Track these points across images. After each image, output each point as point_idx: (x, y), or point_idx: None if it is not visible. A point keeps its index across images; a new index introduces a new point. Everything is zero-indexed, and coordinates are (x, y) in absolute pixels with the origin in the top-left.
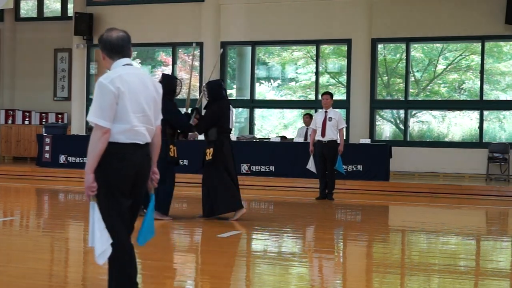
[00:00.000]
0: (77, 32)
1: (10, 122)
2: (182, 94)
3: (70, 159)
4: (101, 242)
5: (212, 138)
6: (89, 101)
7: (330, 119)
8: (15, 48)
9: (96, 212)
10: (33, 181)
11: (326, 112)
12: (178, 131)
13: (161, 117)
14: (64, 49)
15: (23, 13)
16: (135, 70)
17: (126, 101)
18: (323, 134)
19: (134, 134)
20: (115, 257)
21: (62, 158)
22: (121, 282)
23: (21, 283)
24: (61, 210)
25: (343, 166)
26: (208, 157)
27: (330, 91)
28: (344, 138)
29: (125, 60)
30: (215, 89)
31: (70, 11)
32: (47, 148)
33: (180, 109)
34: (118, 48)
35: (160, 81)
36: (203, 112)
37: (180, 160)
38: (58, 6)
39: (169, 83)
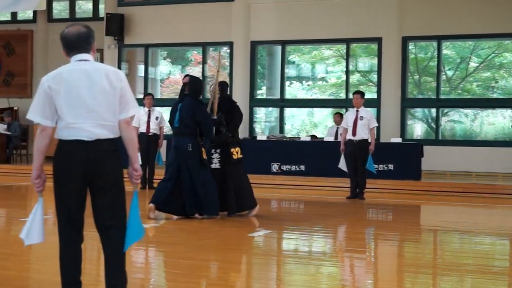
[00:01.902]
0: (109, 32)
1: None
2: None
3: None
4: (25, 232)
5: (236, 138)
6: None
7: (362, 118)
8: (47, 49)
9: (38, 207)
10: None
11: (357, 111)
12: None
13: (130, 111)
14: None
15: (55, 13)
16: (83, 66)
17: (60, 98)
18: (354, 133)
19: (74, 131)
20: (60, 254)
21: None
22: (64, 280)
23: (54, 281)
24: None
25: (374, 165)
26: (237, 156)
27: (361, 90)
28: (375, 137)
29: (80, 56)
30: (227, 89)
31: (102, 12)
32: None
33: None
34: (73, 43)
35: (186, 83)
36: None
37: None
38: (89, 6)
39: (197, 84)
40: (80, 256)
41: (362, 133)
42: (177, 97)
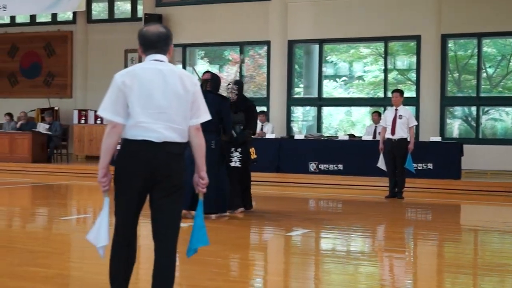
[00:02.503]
0: None
1: (82, 122)
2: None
3: None
4: (94, 235)
5: (250, 138)
6: None
7: (401, 117)
8: (87, 50)
9: (104, 208)
10: None
11: (396, 109)
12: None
13: (202, 117)
14: (134, 50)
15: (94, 14)
16: (159, 66)
17: (133, 95)
18: (393, 132)
19: (143, 131)
20: (111, 254)
21: None
22: (112, 280)
23: (95, 279)
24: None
25: (413, 164)
26: (254, 155)
27: (400, 88)
28: (414, 136)
29: (155, 56)
30: (242, 89)
31: (140, 13)
32: (118, 146)
33: None
34: (151, 43)
35: (208, 79)
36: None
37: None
38: (128, 7)
39: (217, 80)
40: (133, 260)
41: (401, 132)
42: None
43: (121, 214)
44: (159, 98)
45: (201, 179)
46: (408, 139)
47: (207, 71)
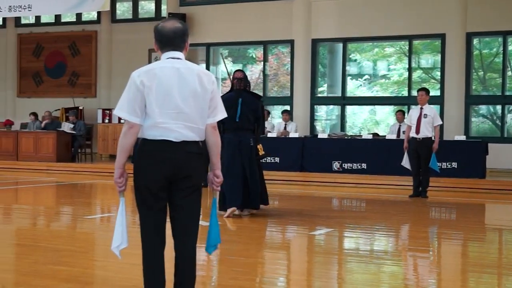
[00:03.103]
0: None
1: (106, 121)
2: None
3: None
4: (117, 237)
5: (260, 135)
6: None
7: (425, 116)
8: (111, 49)
9: (121, 208)
10: (129, 178)
11: (421, 108)
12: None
13: (218, 115)
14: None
15: (119, 14)
16: (176, 64)
17: (151, 96)
18: (417, 131)
19: (162, 131)
20: (144, 261)
21: None
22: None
23: (118, 278)
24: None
25: (438, 163)
26: (262, 152)
27: (425, 87)
28: (439, 135)
29: (172, 53)
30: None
31: (164, 12)
32: None
33: None
34: (167, 40)
35: (241, 78)
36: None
37: (270, 157)
38: (152, 7)
39: (247, 79)
40: (163, 261)
41: (426, 131)
42: None
43: (147, 215)
44: (177, 98)
45: (216, 177)
46: (433, 138)
47: (239, 70)
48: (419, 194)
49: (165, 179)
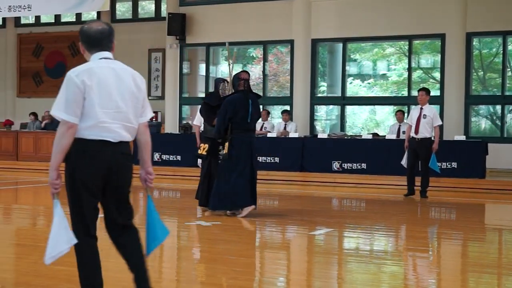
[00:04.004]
0: (170, 32)
1: None
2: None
3: (164, 157)
4: (53, 243)
5: None
6: (182, 100)
7: (425, 116)
8: None
9: (60, 211)
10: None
11: (421, 108)
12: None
13: (148, 114)
14: (158, 49)
15: (118, 14)
16: (111, 64)
17: (93, 95)
18: (416, 131)
19: (101, 131)
20: (77, 257)
21: (156, 156)
22: (84, 284)
23: (118, 277)
24: (155, 207)
25: (438, 164)
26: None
27: (426, 87)
28: (439, 135)
29: (103, 54)
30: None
31: (164, 12)
32: None
33: None
34: (96, 41)
35: (248, 79)
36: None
37: (270, 157)
38: (152, 7)
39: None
40: (99, 258)
41: (425, 132)
42: None
43: (80, 215)
44: (116, 98)
45: (149, 174)
46: (433, 139)
47: (246, 71)
48: (413, 193)
49: (102, 178)
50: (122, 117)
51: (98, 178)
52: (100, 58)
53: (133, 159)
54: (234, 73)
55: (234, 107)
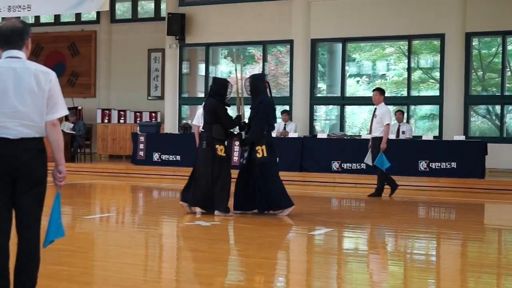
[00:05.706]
0: (170, 32)
1: (106, 121)
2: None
3: (164, 157)
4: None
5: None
6: (181, 100)
7: (375, 116)
8: (111, 49)
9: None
10: (128, 179)
11: (375, 108)
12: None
13: (56, 112)
14: (157, 49)
15: (118, 14)
16: (13, 63)
17: None
18: (370, 131)
19: (0, 129)
20: None
21: (155, 156)
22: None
23: (118, 278)
24: (155, 207)
25: (389, 162)
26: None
27: (379, 87)
28: (388, 135)
29: (11, 52)
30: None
31: (163, 12)
32: (141, 146)
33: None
34: (5, 38)
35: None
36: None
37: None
38: (151, 7)
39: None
40: (8, 256)
41: (375, 131)
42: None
43: None
44: (12, 98)
45: (59, 172)
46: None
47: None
48: (380, 194)
49: (7, 176)
50: (22, 116)
51: (2, 176)
52: (7, 57)
53: (44, 154)
54: (241, 75)
55: (272, 111)
